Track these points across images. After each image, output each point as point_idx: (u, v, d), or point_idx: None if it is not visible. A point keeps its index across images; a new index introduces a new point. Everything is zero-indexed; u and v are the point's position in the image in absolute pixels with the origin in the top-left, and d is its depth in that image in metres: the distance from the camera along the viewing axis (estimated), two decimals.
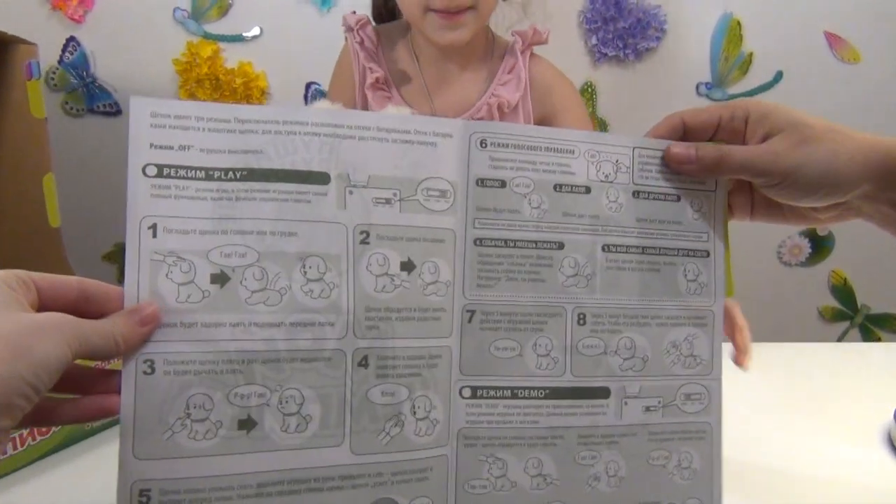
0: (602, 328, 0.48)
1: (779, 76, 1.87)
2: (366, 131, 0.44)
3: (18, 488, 0.62)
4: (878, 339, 2.05)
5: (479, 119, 1.06)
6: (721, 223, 0.51)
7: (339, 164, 0.43)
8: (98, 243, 1.94)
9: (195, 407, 0.39)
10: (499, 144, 0.47)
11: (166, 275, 0.40)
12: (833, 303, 2.05)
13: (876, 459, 0.70)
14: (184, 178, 0.40)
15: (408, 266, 0.44)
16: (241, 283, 0.40)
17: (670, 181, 0.50)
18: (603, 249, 0.49)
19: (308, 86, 1.83)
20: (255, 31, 1.82)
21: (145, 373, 0.39)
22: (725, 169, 0.49)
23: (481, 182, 0.47)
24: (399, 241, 0.44)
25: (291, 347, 0.41)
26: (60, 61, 1.80)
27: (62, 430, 0.69)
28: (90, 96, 1.83)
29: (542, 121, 1.16)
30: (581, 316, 0.48)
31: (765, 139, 0.48)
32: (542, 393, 0.47)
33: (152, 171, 0.40)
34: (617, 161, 0.49)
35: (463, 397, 0.46)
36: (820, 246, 2.00)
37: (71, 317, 0.36)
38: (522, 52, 1.15)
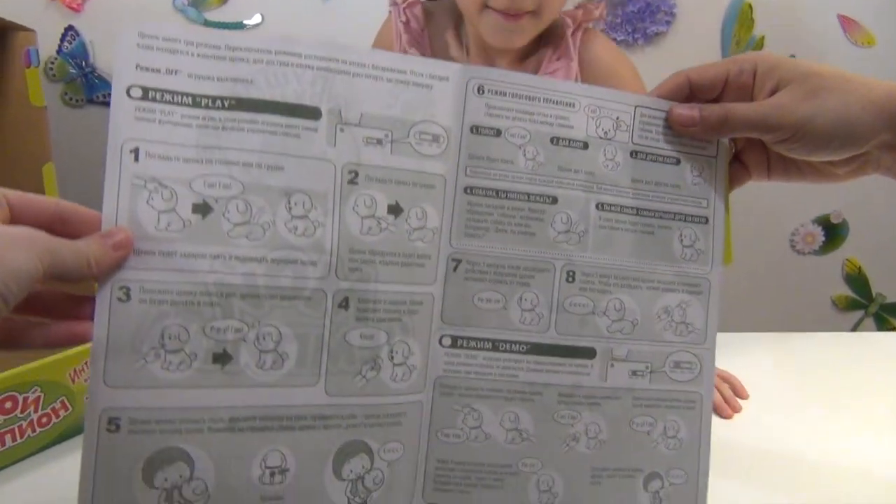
0: (591, 287, 0.47)
1: None
2: (361, 68, 0.43)
3: (19, 480, 0.61)
4: (894, 329, 2.04)
5: None
6: (722, 190, 0.50)
7: (331, 100, 0.42)
8: None
9: (170, 337, 0.39)
10: (496, 92, 0.46)
11: (147, 201, 0.39)
12: (847, 291, 2.04)
13: (890, 448, 0.70)
14: (169, 102, 0.39)
15: (395, 210, 0.43)
16: (223, 214, 0.40)
17: (671, 143, 0.49)
18: (597, 207, 0.48)
19: None
20: (257, 18, 1.80)
21: (120, 300, 0.38)
22: (731, 128, 0.47)
23: (476, 129, 0.46)
24: (388, 184, 0.43)
25: (271, 284, 0.40)
26: (59, 51, 1.78)
27: (62, 422, 0.68)
28: (89, 86, 1.80)
29: None
30: (570, 273, 0.47)
31: (773, 93, 0.46)
32: (523, 347, 0.46)
33: (137, 92, 0.38)
34: (617, 118, 0.48)
35: (442, 346, 0.45)
36: (834, 234, 1.98)
37: (43, 232, 0.36)
38: (573, 35, 1.07)
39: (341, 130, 0.42)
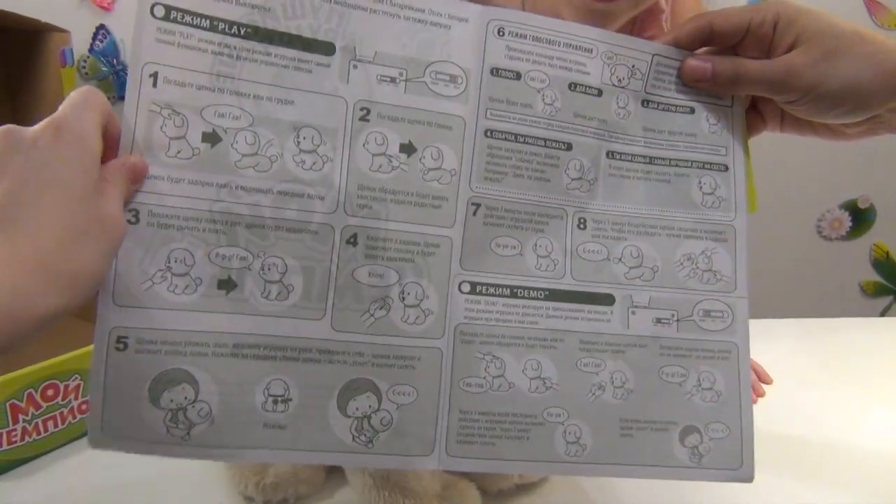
0: (603, 234, 0.47)
1: None
2: (378, 4, 0.43)
3: (61, 464, 0.63)
4: None
5: None
6: (740, 138, 0.50)
7: (346, 36, 0.42)
8: None
9: (176, 261, 0.40)
10: (517, 34, 0.45)
11: (160, 127, 0.39)
12: (875, 277, 2.01)
13: None
14: (189, 24, 0.40)
15: (408, 148, 0.43)
16: (231, 145, 0.40)
17: (685, 93, 0.49)
18: (607, 156, 0.47)
19: None
20: None
21: (129, 221, 0.39)
22: (741, 86, 0.47)
23: (496, 71, 0.45)
24: (401, 123, 0.43)
25: (277, 216, 0.41)
26: (91, 49, 1.82)
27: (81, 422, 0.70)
28: (121, 84, 1.84)
29: None
30: (581, 220, 0.47)
31: (791, 48, 0.45)
32: (541, 294, 0.46)
33: (160, 11, 0.39)
34: (633, 66, 0.48)
35: (462, 292, 0.44)
36: (861, 219, 1.96)
37: (112, 208, 0.37)
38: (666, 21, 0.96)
39: (354, 67, 0.42)
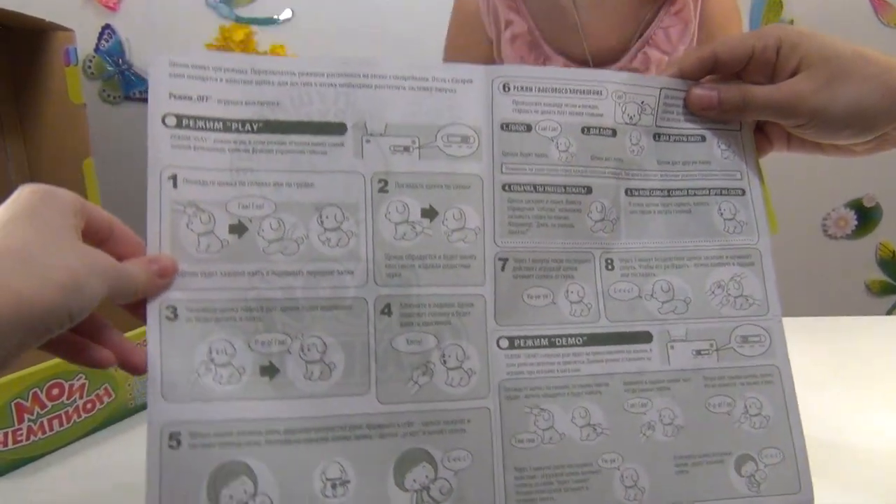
0: (632, 272, 0.47)
1: None
2: (381, 80, 0.44)
3: (66, 463, 0.63)
4: None
5: (632, 69, 0.89)
6: (752, 161, 0.50)
7: (355, 114, 0.43)
8: (138, 228, 1.96)
9: (217, 352, 0.40)
10: (522, 88, 0.46)
11: (186, 225, 0.40)
12: (881, 276, 2.01)
13: None
14: (202, 129, 0.41)
15: (429, 213, 0.44)
16: (258, 233, 0.41)
17: (695, 122, 0.49)
18: (626, 193, 0.48)
19: None
20: (287, 13, 1.82)
21: (168, 318, 0.39)
22: (748, 112, 0.48)
23: (506, 126, 0.46)
24: (419, 189, 0.44)
25: (310, 295, 0.41)
26: (96, 49, 1.82)
27: (106, 408, 0.70)
28: (126, 83, 1.85)
29: None
30: (609, 261, 0.47)
31: (795, 73, 0.46)
32: (579, 340, 0.45)
33: (172, 121, 0.41)
34: (643, 102, 0.48)
35: (501, 348, 0.44)
36: (867, 218, 1.95)
37: (112, 259, 0.37)
38: None
39: (367, 142, 0.43)
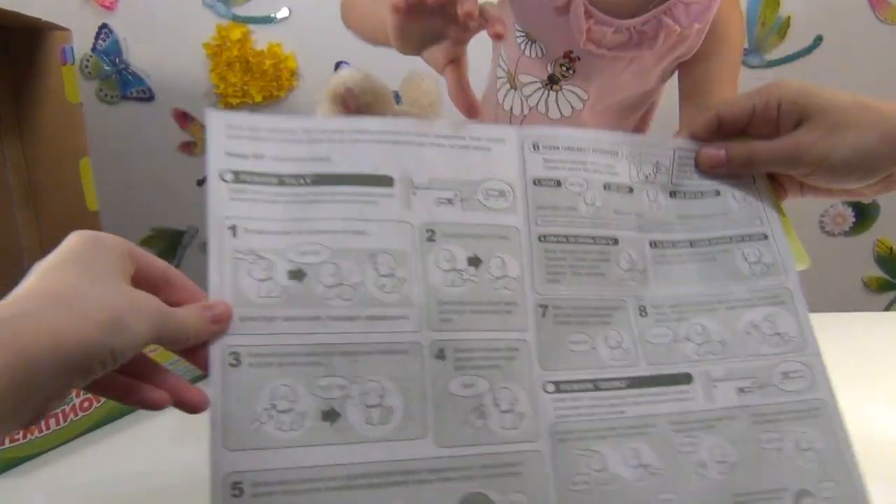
0: (665, 318, 0.48)
1: (818, 40, 1.83)
2: (424, 138, 0.47)
3: (62, 462, 0.63)
4: None
5: (641, 31, 0.90)
6: (771, 206, 0.52)
7: (401, 168, 0.46)
8: (135, 228, 1.97)
9: (280, 398, 0.40)
10: (550, 146, 0.50)
11: (247, 272, 0.41)
12: (879, 272, 2.01)
13: None
14: (259, 183, 0.43)
15: (475, 261, 0.46)
16: (316, 278, 0.42)
17: (708, 178, 0.52)
18: (650, 245, 0.50)
19: (337, 65, 1.83)
20: (284, 12, 1.82)
21: (231, 364, 0.40)
22: (756, 166, 0.51)
23: (538, 182, 0.49)
24: (464, 238, 0.46)
25: (368, 340, 0.42)
26: (94, 49, 1.82)
27: (103, 407, 0.70)
28: (124, 83, 1.85)
29: (695, 58, 0.96)
30: (641, 308, 0.48)
31: (797, 125, 0.49)
32: (622, 383, 0.46)
33: (229, 177, 0.43)
34: (657, 162, 0.52)
35: (547, 392, 0.45)
36: (864, 214, 1.95)
37: (160, 302, 0.37)
38: None
39: (414, 194, 0.45)
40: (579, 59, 0.96)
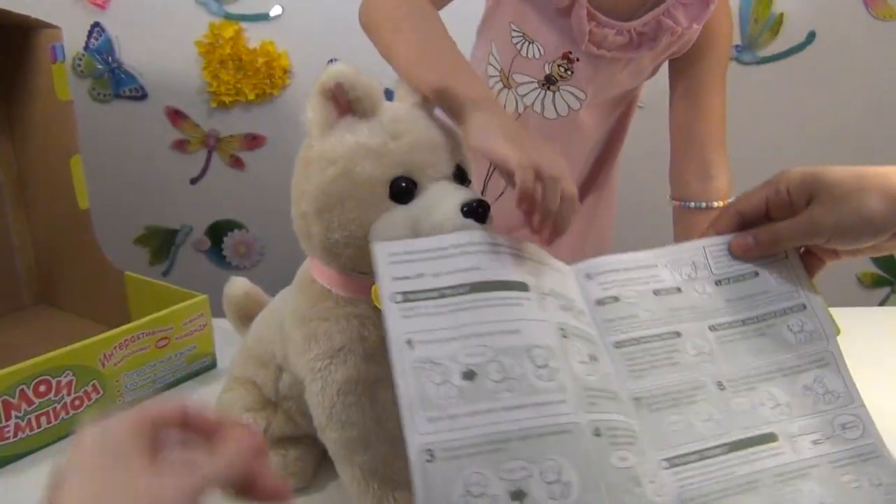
0: (739, 389, 0.55)
1: (811, 37, 1.83)
2: (532, 254, 0.54)
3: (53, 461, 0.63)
4: None
5: (641, 33, 0.92)
6: (804, 278, 0.60)
7: (531, 278, 0.52)
8: (128, 228, 1.97)
9: (473, 485, 0.43)
10: (601, 272, 0.58)
11: (428, 378, 0.46)
12: (872, 269, 2.02)
13: None
14: (423, 299, 0.48)
15: (592, 357, 0.52)
16: (485, 376, 0.46)
17: (744, 263, 0.60)
18: (710, 329, 0.57)
19: (330, 63, 1.82)
20: (277, 10, 1.82)
21: (427, 461, 0.43)
22: (781, 244, 0.59)
23: (599, 302, 0.57)
24: (580, 339, 0.52)
25: (539, 424, 0.46)
26: (86, 47, 1.82)
27: (94, 405, 0.70)
28: (116, 81, 1.85)
29: (688, 58, 0.98)
30: (719, 384, 0.55)
31: (808, 203, 0.56)
32: (723, 449, 0.52)
33: (398, 298, 0.48)
34: (693, 262, 0.60)
35: (665, 468, 0.51)
36: None
37: (185, 477, 0.35)
38: None
39: (544, 299, 0.52)
40: (578, 59, 0.96)
